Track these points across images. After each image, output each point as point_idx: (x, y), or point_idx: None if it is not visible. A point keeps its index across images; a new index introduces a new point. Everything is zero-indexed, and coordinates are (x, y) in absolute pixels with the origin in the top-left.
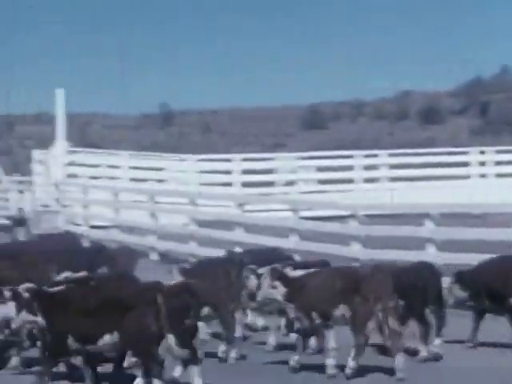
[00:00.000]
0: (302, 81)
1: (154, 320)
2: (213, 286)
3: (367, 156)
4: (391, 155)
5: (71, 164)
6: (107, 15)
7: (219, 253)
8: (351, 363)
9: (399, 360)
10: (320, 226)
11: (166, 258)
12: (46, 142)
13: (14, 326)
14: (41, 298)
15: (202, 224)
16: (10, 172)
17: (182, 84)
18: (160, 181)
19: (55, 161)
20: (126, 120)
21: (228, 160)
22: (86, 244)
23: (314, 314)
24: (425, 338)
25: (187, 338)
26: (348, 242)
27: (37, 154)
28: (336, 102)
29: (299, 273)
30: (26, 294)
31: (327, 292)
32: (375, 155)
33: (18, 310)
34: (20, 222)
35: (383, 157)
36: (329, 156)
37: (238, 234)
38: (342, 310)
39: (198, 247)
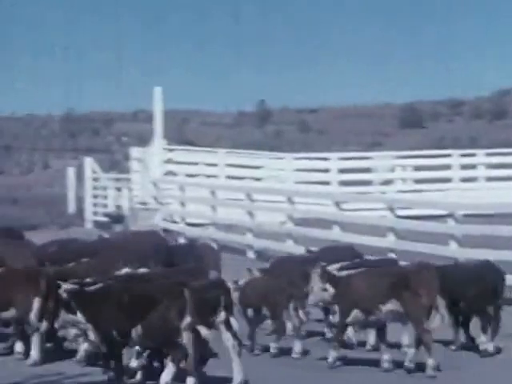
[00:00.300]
0: (401, 79)
1: (179, 313)
2: (281, 284)
3: (464, 155)
4: (489, 154)
5: (168, 162)
6: (208, 15)
7: None
8: (430, 361)
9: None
10: (417, 225)
11: (262, 255)
12: (143, 140)
13: (56, 325)
14: (78, 297)
15: (299, 222)
16: (108, 169)
17: (280, 82)
18: (257, 179)
19: (153, 158)
20: (224, 118)
21: (325, 158)
22: (182, 241)
23: (355, 312)
24: (485, 333)
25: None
26: (445, 241)
27: (135, 151)
28: (433, 101)
29: (346, 273)
30: (64, 295)
31: (369, 292)
32: (473, 154)
33: (60, 310)
34: (118, 219)
35: (481, 156)
36: (426, 155)
37: (335, 233)
38: (391, 308)
39: (295, 245)
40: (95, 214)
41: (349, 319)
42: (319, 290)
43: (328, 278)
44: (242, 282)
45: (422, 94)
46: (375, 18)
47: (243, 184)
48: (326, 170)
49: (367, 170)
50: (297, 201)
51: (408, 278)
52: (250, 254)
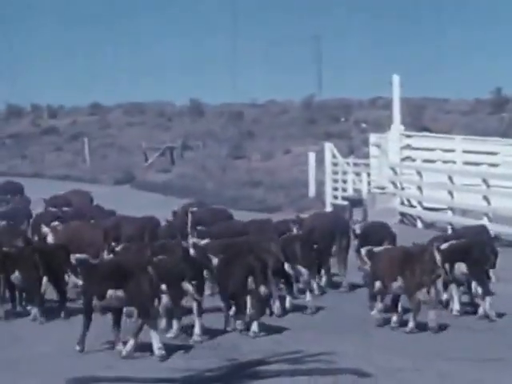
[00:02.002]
0: None
1: (147, 284)
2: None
3: None
4: None
5: (406, 147)
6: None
7: None
8: (410, 323)
9: (431, 314)
10: None
11: (496, 240)
12: (381, 126)
13: (68, 286)
14: (82, 266)
15: None
16: (347, 155)
17: None
18: (493, 165)
19: (391, 144)
20: (460, 105)
21: None
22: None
23: (378, 284)
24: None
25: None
26: None
27: (373, 137)
28: None
29: (379, 249)
30: (74, 262)
31: (387, 267)
32: None
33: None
34: (356, 202)
35: None
36: None
37: None
38: (399, 282)
39: None
40: (335, 197)
41: (375, 289)
42: (363, 264)
43: (368, 253)
44: None
45: None
46: None
47: (479, 170)
48: None
49: None
50: None
51: (409, 258)
52: None
